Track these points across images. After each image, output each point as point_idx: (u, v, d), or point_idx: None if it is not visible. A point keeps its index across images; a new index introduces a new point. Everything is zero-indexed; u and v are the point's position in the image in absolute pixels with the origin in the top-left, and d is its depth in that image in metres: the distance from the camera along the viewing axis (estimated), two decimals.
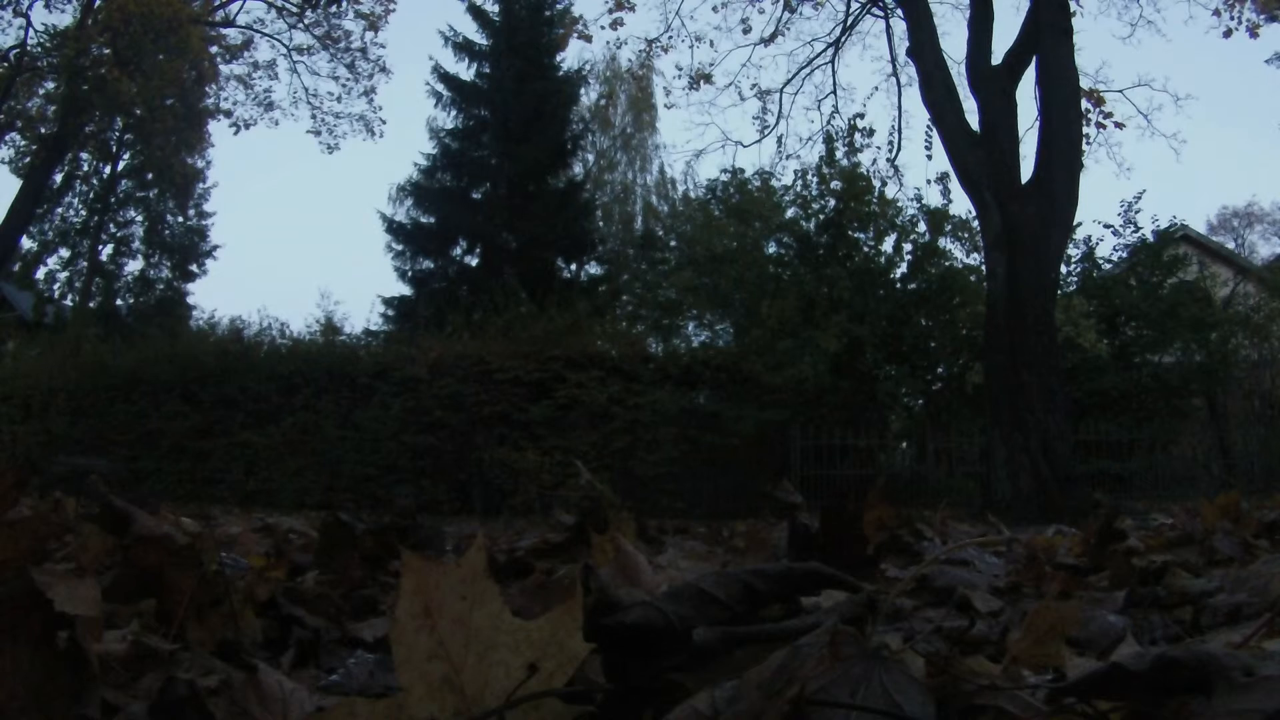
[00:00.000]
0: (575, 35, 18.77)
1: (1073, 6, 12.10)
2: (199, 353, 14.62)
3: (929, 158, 24.47)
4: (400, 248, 21.90)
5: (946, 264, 14.22)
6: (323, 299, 42.54)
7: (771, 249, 15.27)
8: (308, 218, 66.17)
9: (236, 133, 24.51)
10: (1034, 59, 11.52)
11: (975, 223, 12.54)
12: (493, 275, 19.09)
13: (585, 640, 0.69)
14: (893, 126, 18.07)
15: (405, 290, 21.74)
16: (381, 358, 14.29)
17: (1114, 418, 12.79)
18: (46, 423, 14.68)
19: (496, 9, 23.14)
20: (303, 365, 14.04)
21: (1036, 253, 10.39)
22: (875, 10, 17.08)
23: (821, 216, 14.71)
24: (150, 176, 27.62)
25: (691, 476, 12.49)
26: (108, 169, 27.44)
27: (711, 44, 29.08)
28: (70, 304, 25.81)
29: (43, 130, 21.51)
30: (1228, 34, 15.71)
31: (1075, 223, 11.85)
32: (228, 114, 24.25)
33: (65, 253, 27.67)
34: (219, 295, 58.00)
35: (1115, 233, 14.65)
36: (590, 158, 29.32)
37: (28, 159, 21.98)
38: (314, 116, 23.52)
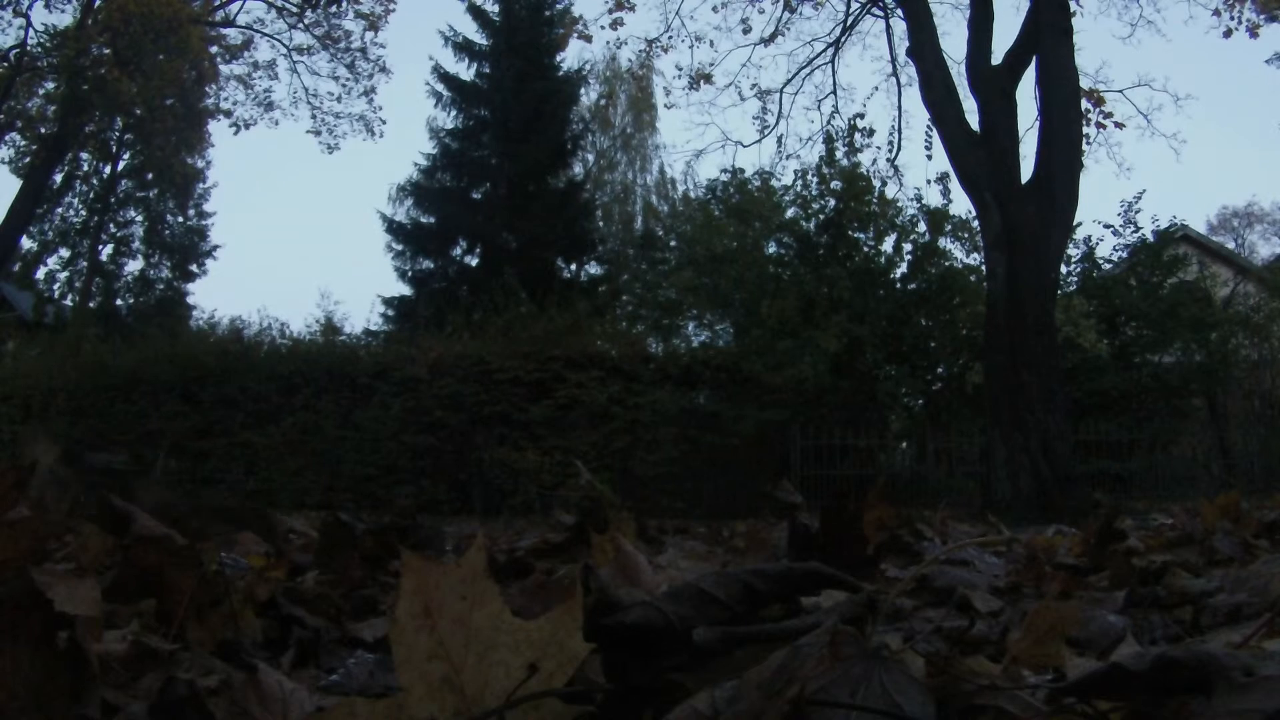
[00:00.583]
0: (575, 35, 18.77)
1: (1073, 6, 12.11)
2: (199, 353, 14.61)
3: (929, 158, 24.49)
4: (400, 248, 21.92)
5: (946, 264, 14.22)
6: (323, 299, 42.60)
7: (771, 249, 15.27)
8: (308, 218, 66.15)
9: (236, 133, 24.52)
10: (1034, 59, 11.52)
11: (975, 223, 12.54)
12: (493, 275, 19.08)
13: (585, 640, 0.69)
14: (893, 126, 18.08)
15: (405, 290, 21.77)
16: (381, 358, 14.30)
17: (1114, 418, 12.79)
18: (46, 423, 14.67)
19: (496, 9, 23.15)
20: (303, 365, 14.04)
21: (1036, 253, 10.39)
22: (875, 10, 17.08)
23: (821, 216, 14.71)
24: (150, 176, 27.62)
25: (691, 476, 12.49)
26: (108, 169, 27.46)
27: (711, 44, 29.08)
28: (70, 304, 25.81)
29: (43, 130, 21.50)
30: (1228, 34, 15.72)
31: (1075, 223, 11.85)
32: (228, 114, 24.26)
33: (65, 253, 27.70)
34: (219, 295, 58.06)
35: (1115, 233, 14.67)
36: (590, 158, 29.35)
37: (28, 159, 21.97)
38: (314, 116, 23.52)
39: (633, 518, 2.03)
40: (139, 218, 28.63)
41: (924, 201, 14.89)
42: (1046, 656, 0.87)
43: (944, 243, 14.53)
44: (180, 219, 28.96)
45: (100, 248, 27.87)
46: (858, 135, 15.29)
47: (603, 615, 0.83)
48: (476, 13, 23.07)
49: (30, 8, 20.21)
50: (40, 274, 27.36)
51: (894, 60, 17.15)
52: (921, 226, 14.57)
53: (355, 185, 63.58)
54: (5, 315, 23.16)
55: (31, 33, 20.48)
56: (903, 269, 14.47)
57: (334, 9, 22.39)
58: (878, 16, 17.19)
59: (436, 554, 1.93)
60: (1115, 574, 1.56)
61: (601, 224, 26.16)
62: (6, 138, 22.04)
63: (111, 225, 28.12)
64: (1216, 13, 15.64)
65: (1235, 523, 2.11)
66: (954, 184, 13.23)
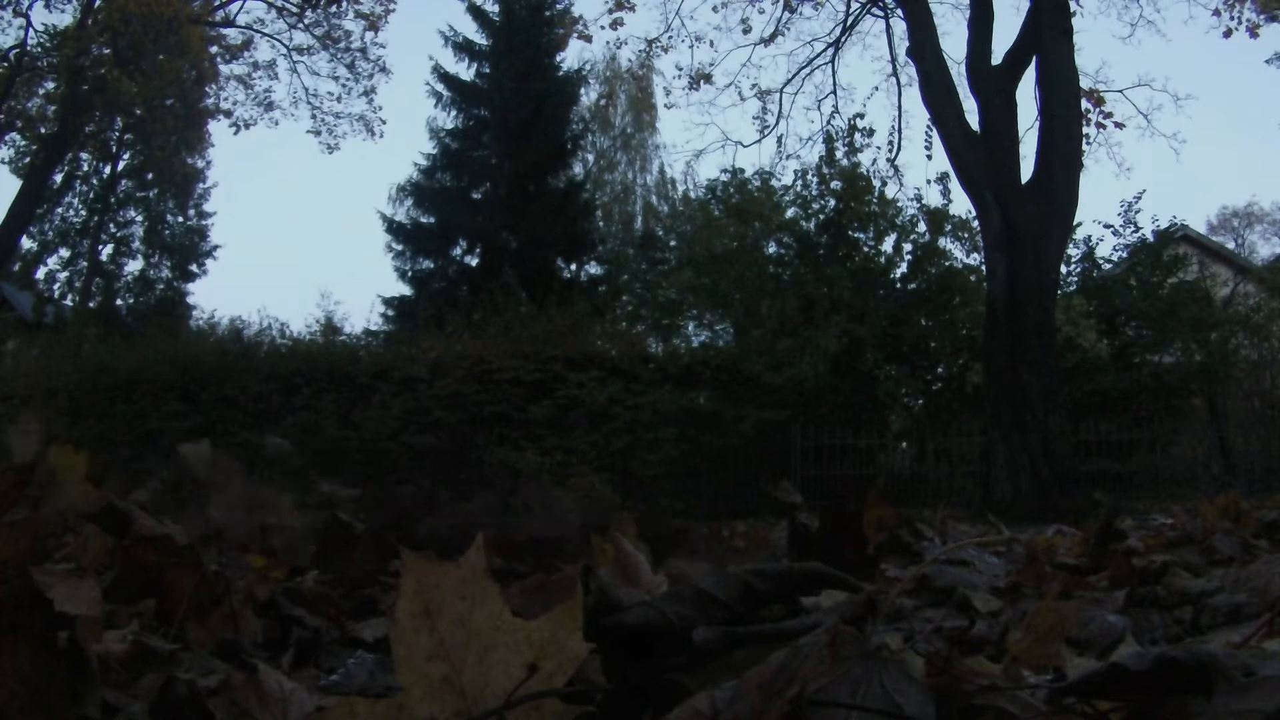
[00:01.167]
0: (575, 35, 18.78)
1: (1073, 6, 12.11)
2: (199, 353, 14.61)
3: (929, 158, 24.45)
4: (400, 248, 21.92)
5: (946, 264, 14.22)
6: (323, 299, 42.58)
7: (771, 249, 15.28)
8: (308, 218, 66.11)
9: (236, 133, 24.54)
10: (1034, 59, 11.52)
11: (975, 223, 12.54)
12: (493, 275, 19.09)
13: (585, 640, 0.69)
14: (893, 126, 18.05)
15: (405, 290, 21.76)
16: (381, 358, 14.30)
17: (1114, 418, 12.78)
18: (46, 423, 14.65)
19: (496, 9, 23.14)
20: (303, 365, 14.04)
21: (1036, 253, 10.39)
22: (875, 10, 17.08)
23: (821, 216, 14.71)
24: (150, 176, 27.61)
25: (691, 476, 12.49)
26: (108, 169, 27.45)
27: (711, 44, 29.03)
28: (70, 304, 25.80)
29: (43, 130, 21.50)
30: (1228, 34, 15.72)
31: (1075, 223, 11.85)
32: (228, 114, 24.27)
33: (65, 253, 27.69)
34: (219, 295, 58.00)
35: (1115, 233, 14.66)
36: (590, 158, 29.33)
37: (28, 159, 21.98)
38: (314, 116, 23.53)
39: (632, 518, 2.03)
40: (139, 218, 28.65)
41: (924, 201, 14.90)
42: (1046, 656, 0.87)
43: (944, 243, 14.54)
44: (180, 219, 28.97)
45: (100, 248, 27.88)
46: (858, 135, 15.30)
47: (603, 615, 0.83)
48: (476, 13, 23.08)
49: (30, 8, 20.24)
50: (40, 274, 27.38)
51: (894, 60, 17.16)
52: (921, 226, 14.58)
53: (355, 185, 63.59)
54: (5, 315, 23.15)
55: (31, 33, 20.51)
56: (903, 269, 14.48)
57: (334, 9, 22.41)
58: (878, 16, 17.19)
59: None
60: (1115, 574, 1.56)
61: (601, 224, 26.15)
62: (6, 138, 22.06)
63: (111, 225, 28.12)
64: (1216, 13, 15.65)
65: (1235, 523, 2.11)
66: (954, 184, 13.24)
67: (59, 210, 27.12)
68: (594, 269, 23.14)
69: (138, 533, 1.12)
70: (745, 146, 39.83)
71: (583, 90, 26.01)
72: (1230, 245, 33.80)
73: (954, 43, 24.01)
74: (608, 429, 12.97)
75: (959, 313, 13.78)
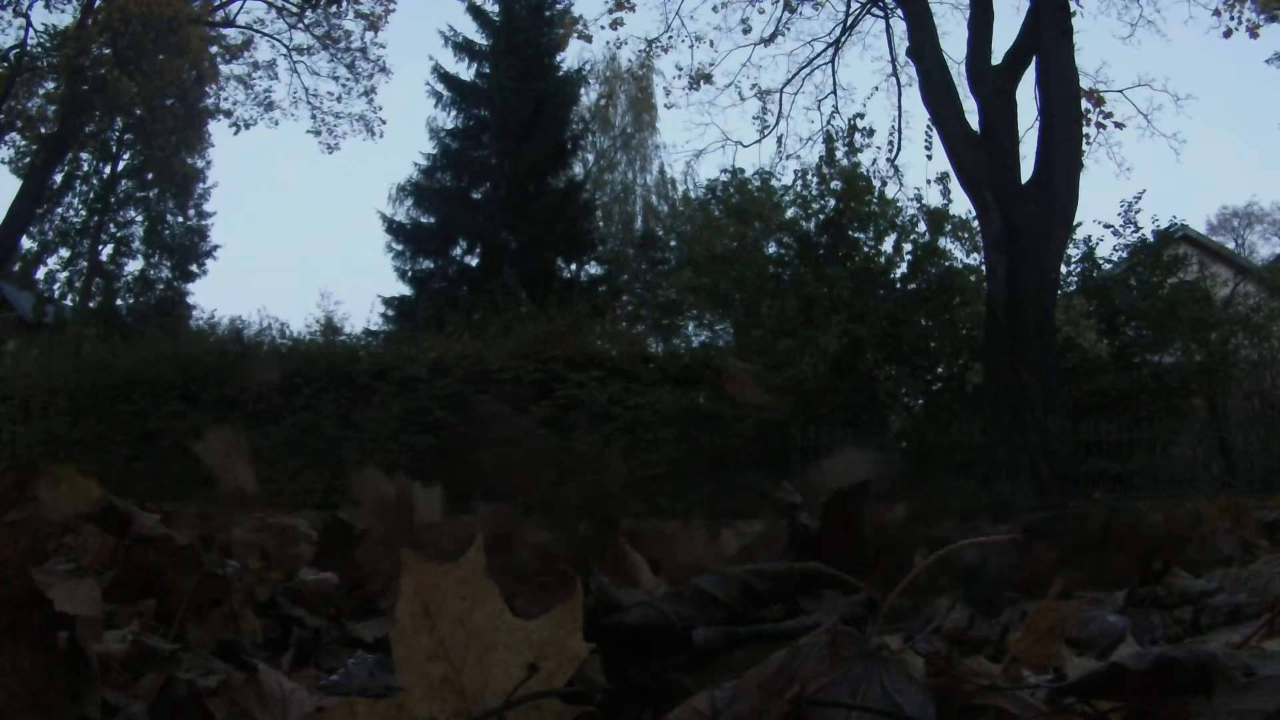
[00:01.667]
0: (575, 35, 18.73)
1: (1073, 6, 12.10)
2: (199, 353, 14.61)
3: (929, 158, 24.39)
4: (400, 248, 21.93)
5: (946, 264, 14.21)
6: (323, 299, 42.59)
7: (771, 249, 15.27)
8: (308, 218, 66.00)
9: (236, 133, 24.50)
10: (1034, 59, 11.51)
11: (975, 223, 12.53)
12: (493, 275, 19.09)
13: (585, 640, 0.69)
14: (893, 126, 17.98)
15: (405, 290, 21.77)
16: (381, 358, 14.30)
17: (1114, 418, 12.78)
18: (47, 423, 14.67)
19: (496, 9, 23.15)
20: (303, 365, 14.05)
21: (1036, 253, 10.39)
22: (875, 10, 17.06)
23: (821, 216, 14.70)
24: (150, 176, 27.61)
25: (691, 476, 12.49)
26: (108, 169, 27.44)
27: (711, 44, 28.90)
28: (70, 304, 25.80)
29: (43, 130, 21.49)
30: (1228, 34, 15.70)
31: (1075, 223, 11.84)
32: (228, 114, 24.23)
33: (65, 253, 27.67)
34: (219, 295, 57.98)
35: (1115, 233, 14.65)
36: (590, 158, 29.33)
37: (28, 159, 21.97)
38: (314, 116, 23.49)
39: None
40: (139, 218, 28.64)
41: (924, 201, 14.89)
42: (1046, 656, 0.87)
43: (944, 243, 14.53)
44: (180, 219, 28.96)
45: (100, 248, 27.87)
46: (858, 135, 15.29)
47: (603, 615, 0.83)
48: (476, 13, 23.08)
49: (30, 8, 20.22)
50: (40, 274, 27.37)
51: (894, 60, 17.14)
52: (921, 226, 14.57)
53: (355, 185, 63.49)
54: (5, 315, 23.15)
55: (31, 33, 20.49)
56: (903, 269, 14.47)
57: (334, 9, 22.38)
58: (878, 16, 17.17)
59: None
60: (1114, 573, 1.56)
61: (601, 224, 26.16)
62: (6, 138, 22.04)
63: (111, 225, 28.11)
64: (1216, 13, 15.63)
65: (1235, 523, 2.11)
66: (954, 184, 13.23)
67: (59, 210, 27.12)
68: (594, 269, 23.16)
69: (138, 533, 1.12)
70: (745, 146, 39.75)
71: (583, 90, 26.04)
72: (1230, 245, 33.77)
73: (954, 43, 23.97)
74: (608, 429, 12.97)
75: (959, 313, 13.78)
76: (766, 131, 17.88)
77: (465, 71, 23.01)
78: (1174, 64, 51.75)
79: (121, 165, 27.66)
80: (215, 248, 29.14)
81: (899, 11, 14.61)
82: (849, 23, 17.34)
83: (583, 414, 13.02)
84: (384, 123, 23.58)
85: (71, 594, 0.76)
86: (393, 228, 21.96)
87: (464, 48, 22.95)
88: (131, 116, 22.88)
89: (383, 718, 0.65)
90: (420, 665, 0.66)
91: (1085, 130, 13.39)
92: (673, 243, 18.44)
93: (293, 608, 1.22)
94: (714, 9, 21.89)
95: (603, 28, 17.66)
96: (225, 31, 24.04)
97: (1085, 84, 13.66)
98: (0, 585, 0.73)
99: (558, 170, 22.79)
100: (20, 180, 21.56)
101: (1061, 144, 10.77)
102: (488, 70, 22.74)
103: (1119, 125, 16.10)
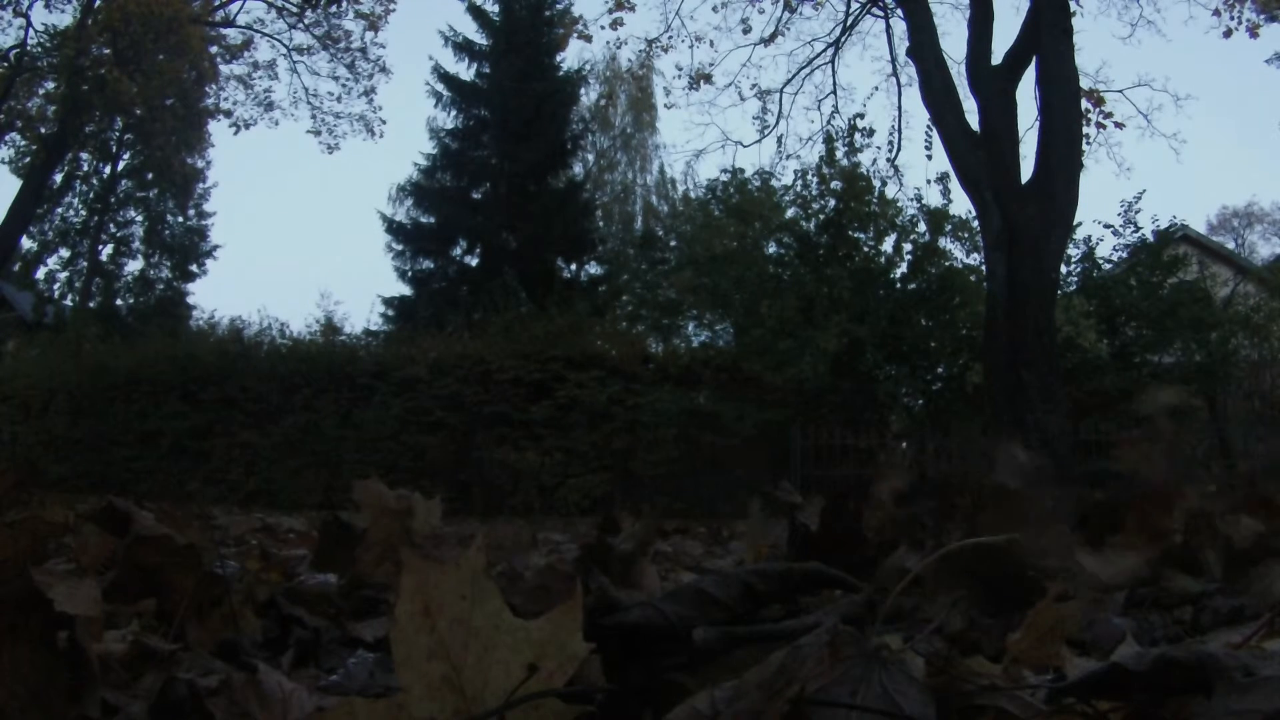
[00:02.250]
0: (575, 35, 18.71)
1: (1073, 6, 12.09)
2: (199, 353, 14.62)
3: (929, 158, 24.39)
4: (400, 248, 21.93)
5: (946, 264, 14.21)
6: (323, 299, 42.44)
7: (771, 249, 15.26)
8: (308, 217, 66.02)
9: (236, 133, 24.48)
10: (1034, 59, 11.51)
11: (975, 223, 12.52)
12: (493, 275, 19.08)
13: (585, 640, 0.69)
14: (893, 126, 17.97)
15: (405, 290, 21.77)
16: (381, 358, 14.30)
17: (1114, 418, 12.78)
18: (46, 423, 14.68)
19: (496, 9, 23.15)
20: (303, 365, 14.05)
21: (1036, 253, 10.38)
22: (875, 10, 17.06)
23: (821, 216, 14.70)
24: (150, 176, 27.60)
25: (691, 476, 12.49)
26: (108, 169, 27.44)
27: (711, 44, 28.90)
28: (70, 304, 25.80)
29: (43, 130, 21.48)
30: (1228, 34, 15.69)
31: (1075, 223, 11.83)
32: (228, 114, 24.21)
33: (65, 253, 27.66)
34: (219, 295, 57.93)
35: (1115, 233, 14.65)
36: (590, 158, 29.34)
37: (28, 159, 21.96)
38: (314, 116, 23.46)
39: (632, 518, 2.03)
40: (139, 218, 28.63)
41: (924, 201, 14.87)
42: (1046, 656, 0.87)
43: (944, 243, 14.52)
44: (180, 219, 28.95)
45: (100, 248, 27.87)
46: (858, 135, 15.27)
47: (603, 615, 0.83)
48: (476, 13, 23.08)
49: (30, 8, 20.20)
50: (40, 274, 27.36)
51: (894, 60, 17.14)
52: (921, 226, 14.56)
53: (355, 185, 63.48)
54: (5, 315, 23.17)
55: (31, 33, 20.47)
56: (903, 269, 14.46)
57: (334, 9, 22.36)
58: (878, 16, 17.17)
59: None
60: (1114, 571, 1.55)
61: (601, 224, 26.16)
62: (6, 138, 22.03)
63: (111, 225, 28.11)
64: (1216, 13, 15.62)
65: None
66: (954, 184, 13.22)
67: (59, 210, 27.12)
68: (594, 269, 23.16)
69: (138, 533, 1.12)
70: (745, 146, 39.77)
71: (583, 90, 26.04)
72: (1230, 245, 33.79)
73: (954, 43, 23.98)
74: (608, 429, 12.97)
75: (959, 313, 13.78)
76: (766, 131, 17.89)
77: (465, 71, 23.04)
78: (1174, 64, 51.71)
79: (121, 165, 27.68)
80: (215, 248, 29.17)
81: (899, 11, 14.61)
82: (849, 23, 17.34)
83: (583, 414, 13.03)
84: (384, 123, 23.58)
85: (71, 594, 0.76)
86: (393, 228, 21.97)
87: (464, 48, 22.95)
88: (131, 116, 22.88)
89: (383, 718, 0.65)
90: (420, 665, 0.66)
91: (1085, 130, 13.39)
92: (673, 243, 18.43)
93: (293, 608, 1.22)
94: (714, 9, 21.91)
95: (603, 28, 17.66)
96: (225, 31, 24.04)
97: (1085, 84, 13.66)
98: (0, 585, 0.73)
99: (558, 170, 22.80)
100: (20, 180, 21.55)
101: (1061, 144, 10.76)
102: (488, 70, 22.75)
103: (1119, 125, 16.11)
